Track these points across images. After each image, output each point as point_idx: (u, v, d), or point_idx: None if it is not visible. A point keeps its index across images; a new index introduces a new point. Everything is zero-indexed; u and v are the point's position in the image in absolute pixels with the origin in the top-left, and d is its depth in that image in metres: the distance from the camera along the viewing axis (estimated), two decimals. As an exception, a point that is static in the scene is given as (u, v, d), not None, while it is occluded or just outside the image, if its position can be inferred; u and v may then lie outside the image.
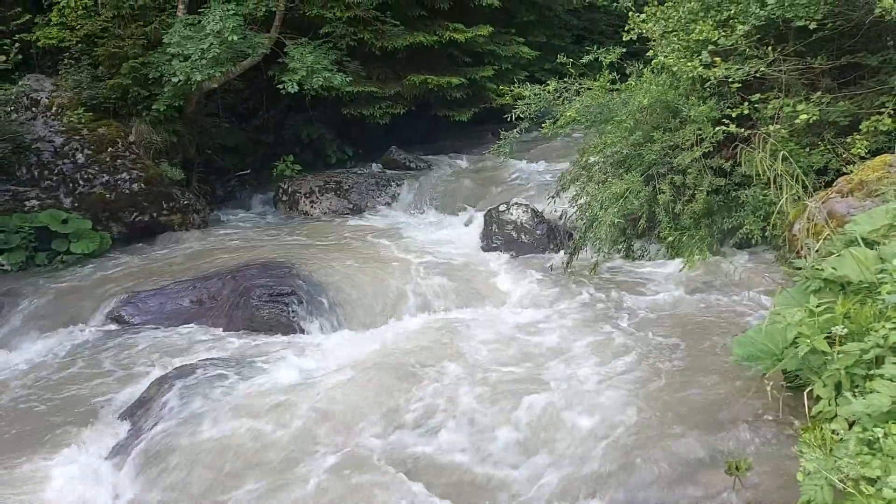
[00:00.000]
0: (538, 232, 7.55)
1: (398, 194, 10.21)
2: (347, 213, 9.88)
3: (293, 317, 5.93)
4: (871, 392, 2.31)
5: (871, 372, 2.61)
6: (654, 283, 6.01)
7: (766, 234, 5.88)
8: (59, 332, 6.05)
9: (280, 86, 9.15)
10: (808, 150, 5.92)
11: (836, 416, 2.60)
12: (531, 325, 5.45)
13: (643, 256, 6.73)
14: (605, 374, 4.40)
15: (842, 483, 1.98)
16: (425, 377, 4.66)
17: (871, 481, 1.99)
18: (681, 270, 6.01)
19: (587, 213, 6.70)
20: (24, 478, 4.02)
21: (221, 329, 6.01)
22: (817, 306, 3.19)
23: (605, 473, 3.38)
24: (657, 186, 6.40)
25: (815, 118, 5.62)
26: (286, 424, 4.22)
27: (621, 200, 6.31)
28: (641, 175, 6.49)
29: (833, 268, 3.52)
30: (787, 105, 5.79)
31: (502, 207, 7.82)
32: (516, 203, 7.83)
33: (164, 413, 4.49)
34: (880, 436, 2.05)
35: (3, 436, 4.60)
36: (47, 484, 3.96)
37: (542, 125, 7.24)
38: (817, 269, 3.69)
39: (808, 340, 3.05)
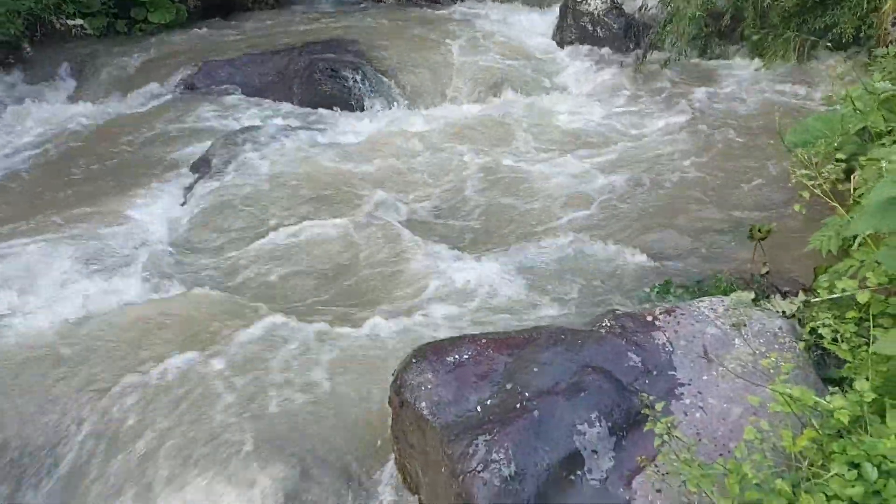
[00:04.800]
0: (615, 26, 7.13)
1: (476, -17, 9.71)
2: (422, 1, 9.53)
3: (355, 91, 6.00)
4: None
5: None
6: (729, 80, 5.71)
7: (861, 34, 5.41)
8: (136, 93, 6.32)
9: None
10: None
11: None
12: (593, 113, 5.39)
13: (721, 56, 6.33)
14: (655, 158, 4.39)
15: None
16: (473, 153, 4.76)
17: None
18: (757, 70, 5.67)
19: (669, 6, 6.30)
20: (110, 215, 4.39)
21: (285, 101, 6.16)
22: (881, 81, 3.00)
23: (638, 227, 3.48)
24: (749, -22, 5.88)
25: None
26: (333, 181, 4.50)
27: (707, -8, 5.88)
28: (734, -35, 5.96)
29: (912, 50, 3.27)
30: None
31: (580, -2, 7.36)
32: (596, -8, 7.34)
33: (228, 166, 4.80)
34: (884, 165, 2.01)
35: (90, 178, 5.02)
36: (130, 221, 4.33)
37: None
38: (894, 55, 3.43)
39: (864, 118, 2.91)
